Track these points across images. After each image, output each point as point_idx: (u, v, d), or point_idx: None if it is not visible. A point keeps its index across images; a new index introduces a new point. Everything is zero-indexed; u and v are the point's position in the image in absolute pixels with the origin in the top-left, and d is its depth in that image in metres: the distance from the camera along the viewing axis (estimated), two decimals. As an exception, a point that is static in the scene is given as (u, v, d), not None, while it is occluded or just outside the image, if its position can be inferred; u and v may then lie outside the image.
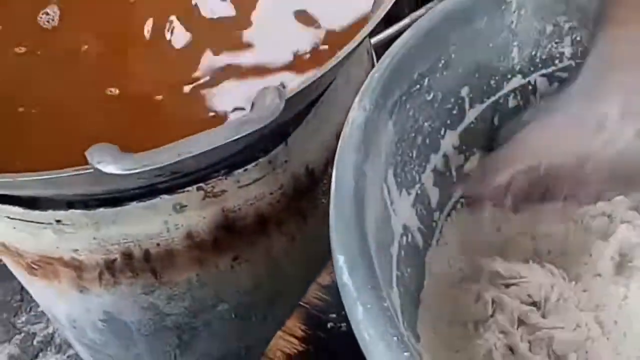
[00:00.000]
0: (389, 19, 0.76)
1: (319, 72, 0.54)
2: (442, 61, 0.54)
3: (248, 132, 0.45)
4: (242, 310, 0.75)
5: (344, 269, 0.40)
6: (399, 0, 0.63)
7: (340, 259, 0.41)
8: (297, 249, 0.73)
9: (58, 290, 0.72)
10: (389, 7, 0.62)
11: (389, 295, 0.44)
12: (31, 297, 1.25)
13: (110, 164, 0.46)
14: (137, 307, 0.72)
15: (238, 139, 0.46)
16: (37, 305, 1.26)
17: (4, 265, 1.26)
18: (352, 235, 0.42)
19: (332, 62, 0.56)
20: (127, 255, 0.67)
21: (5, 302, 1.28)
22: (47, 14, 0.72)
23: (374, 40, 0.93)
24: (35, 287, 0.76)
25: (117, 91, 0.65)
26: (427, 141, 0.55)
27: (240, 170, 0.64)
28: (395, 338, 0.38)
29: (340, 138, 0.46)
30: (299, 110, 0.66)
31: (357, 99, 0.48)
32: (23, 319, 1.27)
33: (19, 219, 0.65)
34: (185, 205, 0.64)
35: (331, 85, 0.70)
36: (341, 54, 0.57)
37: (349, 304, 0.39)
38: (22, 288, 1.27)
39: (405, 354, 0.37)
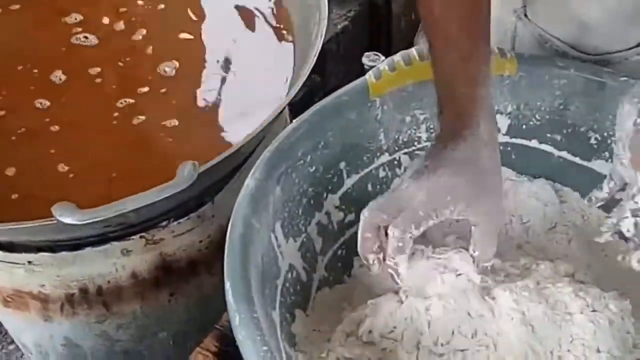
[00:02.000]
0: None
1: (230, 151, 0.72)
2: (322, 143, 0.72)
3: (166, 195, 0.64)
4: (179, 338, 0.92)
5: (229, 290, 0.58)
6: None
7: (227, 284, 0.58)
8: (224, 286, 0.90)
9: (27, 319, 0.88)
10: (298, 88, 0.80)
11: (269, 314, 0.62)
12: (3, 336, 1.41)
13: (68, 216, 0.63)
14: (92, 334, 0.89)
15: (158, 200, 0.64)
16: (8, 344, 1.40)
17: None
18: (236, 268, 0.59)
19: (242, 141, 0.74)
20: (84, 290, 0.84)
21: (-20, 341, 1.42)
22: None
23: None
24: (9, 317, 0.92)
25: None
26: (312, 202, 0.72)
27: (175, 223, 0.81)
28: (258, 337, 0.55)
29: (237, 199, 0.64)
30: (225, 174, 0.84)
31: (252, 171, 0.67)
32: (-5, 356, 1.41)
33: (-1, 260, 0.82)
34: (131, 250, 0.81)
35: (253, 155, 0.88)
36: (251, 134, 0.76)
37: (231, 314, 0.57)
38: (-4, 328, 1.43)
39: (264, 348, 0.54)
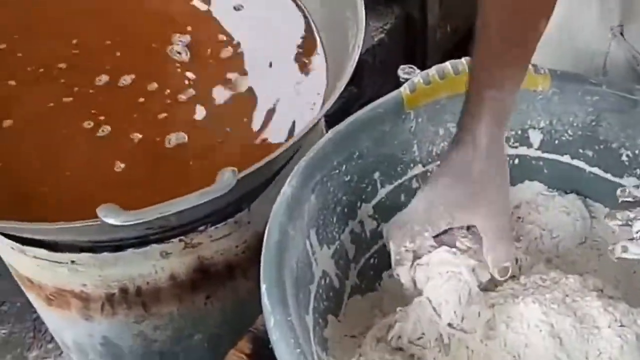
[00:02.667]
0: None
1: (268, 159, 0.75)
2: (357, 153, 0.74)
3: (207, 199, 0.66)
4: (213, 341, 0.95)
5: (264, 293, 0.60)
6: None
7: (263, 287, 0.61)
8: (259, 291, 0.92)
9: (68, 318, 0.92)
10: (334, 99, 0.82)
11: (303, 318, 0.64)
12: (42, 335, 1.45)
13: (112, 218, 0.66)
14: (130, 334, 0.92)
15: (199, 204, 0.67)
16: (47, 342, 1.45)
17: (20, 307, 1.46)
18: (272, 272, 0.62)
19: (280, 150, 0.77)
20: (124, 291, 0.87)
21: (20, 338, 1.47)
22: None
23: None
24: (51, 315, 0.95)
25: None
26: (346, 210, 0.74)
27: (212, 228, 0.84)
28: (292, 340, 0.57)
29: (273, 206, 0.67)
30: (261, 182, 0.87)
31: (288, 179, 0.69)
32: (34, 353, 1.46)
33: (43, 259, 0.85)
34: (170, 253, 0.84)
35: (289, 163, 0.90)
36: (288, 143, 0.78)
37: (266, 316, 0.59)
38: (35, 327, 1.48)
39: (297, 350, 0.57)
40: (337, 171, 0.73)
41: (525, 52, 0.68)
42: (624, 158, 0.77)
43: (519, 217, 0.80)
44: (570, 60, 0.96)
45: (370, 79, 1.44)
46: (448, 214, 0.65)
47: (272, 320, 0.58)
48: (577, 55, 0.96)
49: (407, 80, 0.82)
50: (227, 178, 0.68)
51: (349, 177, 0.74)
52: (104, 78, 0.95)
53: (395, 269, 0.68)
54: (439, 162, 0.68)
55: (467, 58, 0.75)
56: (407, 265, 0.67)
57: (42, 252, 0.84)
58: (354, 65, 0.82)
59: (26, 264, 0.89)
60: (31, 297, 0.97)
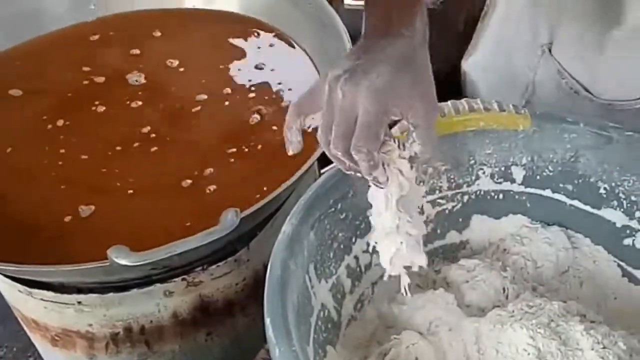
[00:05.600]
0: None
1: (267, 199, 0.79)
2: (351, 192, 0.78)
3: (210, 240, 0.71)
4: (214, 377, 0.97)
5: (269, 326, 0.64)
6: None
7: (267, 320, 0.64)
8: (257, 327, 0.95)
9: (73, 358, 0.94)
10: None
11: (305, 349, 0.68)
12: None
13: (123, 258, 0.70)
14: (134, 372, 0.94)
15: (206, 244, 0.71)
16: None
17: (16, 352, 1.47)
18: (276, 306, 0.65)
19: (278, 190, 0.81)
20: (128, 329, 0.90)
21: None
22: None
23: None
24: (55, 356, 0.98)
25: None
26: (342, 246, 0.79)
27: (213, 267, 0.88)
28: (296, 369, 0.61)
29: (275, 243, 0.71)
30: (259, 222, 0.91)
31: (288, 217, 0.73)
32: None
33: (50, 301, 0.88)
34: (173, 292, 0.87)
35: (285, 203, 0.95)
36: (287, 183, 0.83)
37: (271, 348, 0.63)
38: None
39: (302, 379, 0.60)
40: (333, 209, 0.77)
41: None
42: (602, 191, 0.82)
43: (505, 249, 0.85)
44: (508, 79, 1.09)
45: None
46: (395, 106, 0.61)
47: (277, 352, 0.62)
48: (514, 73, 1.08)
49: (396, 122, 0.87)
50: (230, 218, 0.72)
51: (344, 215, 0.78)
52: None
53: (370, 174, 0.64)
54: (355, 55, 0.62)
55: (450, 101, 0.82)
56: (380, 167, 0.64)
57: (48, 294, 0.87)
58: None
59: (32, 306, 0.92)
60: (35, 338, 0.99)
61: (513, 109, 0.82)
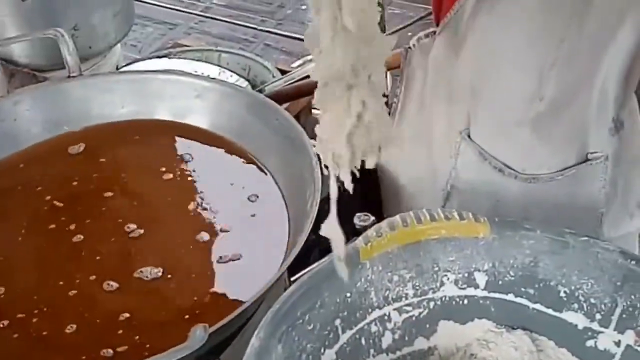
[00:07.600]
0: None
1: (235, 312, 0.80)
2: (318, 303, 0.80)
3: (180, 356, 0.71)
4: None
5: None
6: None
7: None
8: None
9: None
10: (295, 255, 0.89)
11: None
12: None
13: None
14: None
15: (175, 360, 0.71)
16: None
17: None
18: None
19: (247, 304, 0.82)
20: None
21: None
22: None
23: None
24: None
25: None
26: (310, 357, 0.80)
27: (184, 382, 0.88)
28: None
29: (244, 358, 0.72)
30: (230, 334, 0.92)
31: (256, 331, 0.74)
32: None
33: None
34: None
35: (255, 314, 0.96)
36: (255, 295, 0.84)
37: None
38: None
39: None
40: (301, 321, 0.78)
41: None
42: (562, 294, 0.85)
43: (472, 354, 0.86)
44: (430, 168, 1.14)
45: (328, 226, 1.51)
46: None
47: None
48: (434, 163, 1.13)
49: (363, 227, 0.90)
50: (199, 334, 0.73)
51: (312, 326, 0.80)
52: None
53: None
54: None
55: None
56: None
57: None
58: (313, 221, 0.90)
59: None
60: None
61: (472, 217, 0.85)
